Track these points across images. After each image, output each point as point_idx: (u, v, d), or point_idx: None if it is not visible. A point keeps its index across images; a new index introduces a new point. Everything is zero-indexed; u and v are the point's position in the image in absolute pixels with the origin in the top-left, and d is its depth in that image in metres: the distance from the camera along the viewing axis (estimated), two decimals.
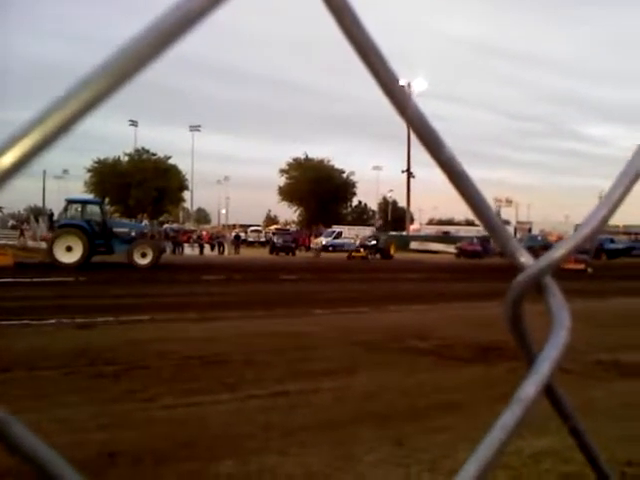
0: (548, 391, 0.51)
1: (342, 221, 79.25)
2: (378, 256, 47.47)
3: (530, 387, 0.45)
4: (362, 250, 47.50)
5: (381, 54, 0.41)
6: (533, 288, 0.50)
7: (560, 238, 51.55)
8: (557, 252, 0.50)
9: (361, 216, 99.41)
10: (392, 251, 50.49)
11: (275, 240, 52.78)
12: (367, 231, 65.88)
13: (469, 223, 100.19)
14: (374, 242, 49.64)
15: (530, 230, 73.29)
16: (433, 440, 5.40)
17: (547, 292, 0.50)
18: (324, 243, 56.85)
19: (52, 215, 34.52)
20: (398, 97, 0.43)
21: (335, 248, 56.21)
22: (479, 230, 76.80)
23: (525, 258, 0.51)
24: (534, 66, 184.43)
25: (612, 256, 54.25)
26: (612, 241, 57.94)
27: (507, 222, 77.53)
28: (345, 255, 47.97)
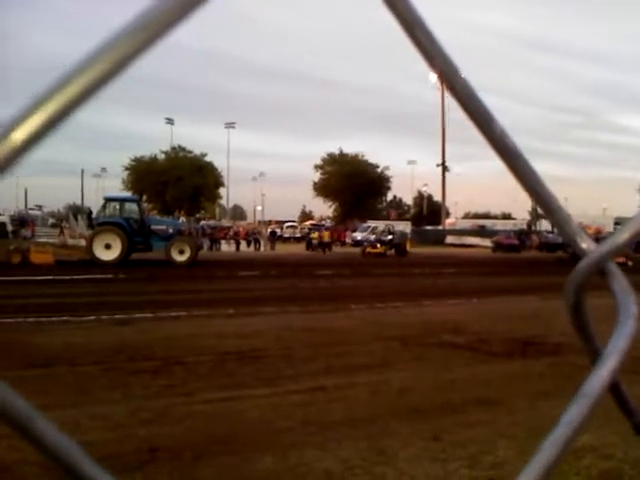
0: (612, 387, 0.48)
1: (377, 216, 78.92)
2: (393, 252, 43.26)
3: (597, 381, 0.42)
4: (379, 246, 42.79)
5: (427, 28, 0.39)
6: (596, 274, 0.47)
7: (598, 232, 50.67)
8: (620, 236, 0.47)
9: (396, 210, 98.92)
10: (408, 247, 46.55)
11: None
12: (401, 225, 65.51)
13: (505, 217, 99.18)
14: (389, 237, 45.34)
15: None
16: (470, 435, 5.34)
17: (611, 279, 0.47)
18: (359, 238, 56.01)
19: (91, 213, 35.01)
20: (446, 72, 0.40)
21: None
22: (515, 223, 76.13)
23: (587, 243, 0.48)
24: (571, 57, 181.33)
25: None
26: None
27: (544, 216, 76.25)
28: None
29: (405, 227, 66.60)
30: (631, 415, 0.53)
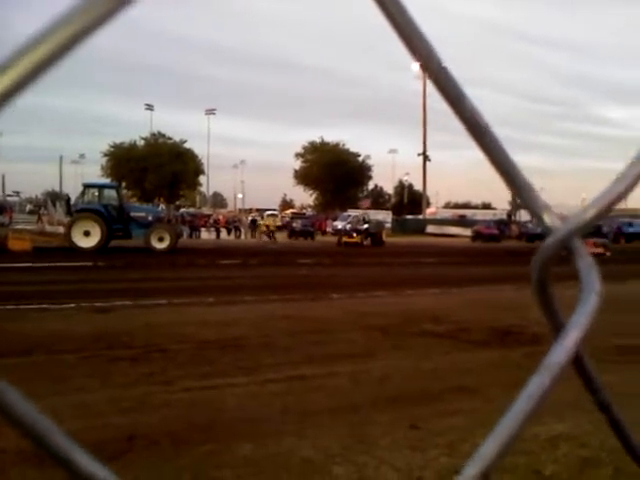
0: (576, 361, 0.48)
1: (358, 205, 79.11)
2: (368, 241, 41.55)
3: (558, 354, 0.43)
4: (355, 235, 41.10)
5: (401, 4, 0.39)
6: (561, 251, 0.48)
7: None
8: (588, 212, 0.47)
9: (377, 200, 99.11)
10: (384, 236, 44.53)
11: (294, 224, 52.50)
12: (381, 215, 65.55)
13: (485, 207, 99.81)
14: (365, 226, 43.03)
15: None
16: (449, 424, 5.39)
17: (576, 255, 0.48)
18: (339, 227, 55.58)
19: (69, 200, 34.69)
20: (420, 48, 0.40)
21: None
22: (495, 213, 76.66)
23: (553, 220, 0.48)
24: (551, 48, 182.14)
25: (630, 239, 53.86)
26: (630, 225, 57.47)
27: (523, 206, 76.80)
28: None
29: (386, 216, 66.83)
30: (594, 391, 0.53)
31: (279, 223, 57.15)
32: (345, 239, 40.76)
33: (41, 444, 0.35)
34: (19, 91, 0.33)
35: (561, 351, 0.43)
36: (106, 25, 0.34)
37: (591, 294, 0.45)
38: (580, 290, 0.47)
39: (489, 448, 0.39)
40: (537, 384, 0.40)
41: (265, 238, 44.74)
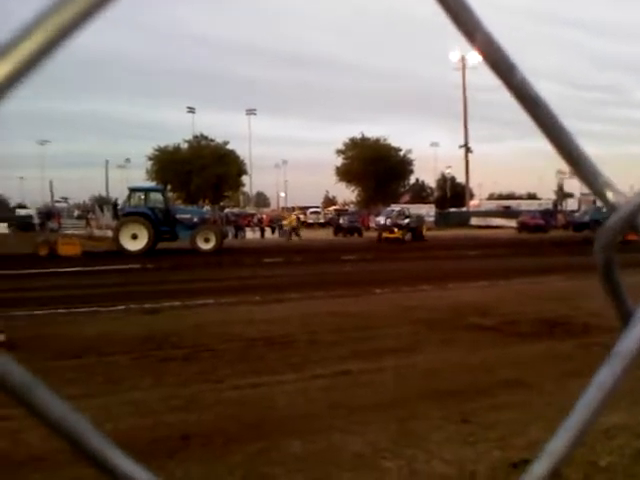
0: None
1: (399, 200, 78.67)
2: (409, 237, 39.35)
3: (630, 341, 0.40)
4: (396, 230, 38.93)
5: None
6: (627, 230, 0.45)
7: None
8: None
9: (419, 194, 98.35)
10: (424, 231, 42.32)
11: (341, 221, 51.89)
12: (424, 209, 64.93)
13: (530, 197, 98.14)
14: (406, 221, 40.94)
15: (595, 202, 71.30)
16: (500, 417, 5.32)
17: None
18: (382, 222, 53.78)
19: (117, 204, 35.33)
20: (466, 22, 0.38)
21: None
22: (541, 203, 75.28)
23: (617, 196, 0.46)
24: (599, 34, 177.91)
25: None
26: None
27: (571, 194, 75.51)
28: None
29: (429, 210, 66.26)
30: None
31: (303, 219, 56.62)
32: (386, 235, 38.92)
33: (76, 445, 0.34)
34: (13, 84, 0.32)
35: (632, 338, 0.40)
36: (97, 15, 0.33)
37: None
38: None
39: (558, 443, 0.37)
40: (608, 373, 0.38)
41: (287, 236, 42.75)
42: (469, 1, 0.38)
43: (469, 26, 0.39)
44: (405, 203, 64.59)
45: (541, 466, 0.37)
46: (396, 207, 59.59)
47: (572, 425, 0.37)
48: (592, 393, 0.37)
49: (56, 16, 0.32)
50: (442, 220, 63.51)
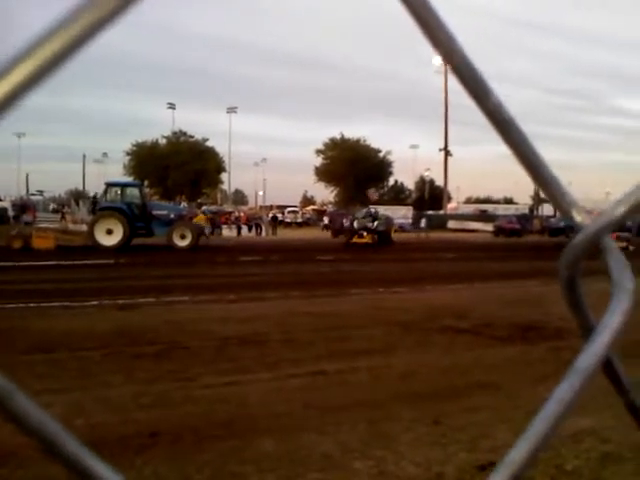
0: (606, 364, 0.47)
1: (378, 201, 78.87)
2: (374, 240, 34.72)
3: (589, 357, 0.41)
4: (366, 234, 34.35)
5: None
6: (591, 249, 0.46)
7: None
8: (618, 209, 0.45)
9: (398, 195, 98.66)
10: (392, 233, 38.62)
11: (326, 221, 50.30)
12: (402, 210, 65.07)
13: (507, 201, 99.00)
14: (375, 223, 35.74)
15: None
16: (471, 419, 5.36)
17: (607, 253, 0.46)
18: (347, 224, 47.27)
19: (96, 198, 35.02)
20: (443, 42, 0.39)
21: None
22: (517, 208, 76.00)
23: (583, 216, 0.47)
24: (572, 39, 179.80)
25: None
26: None
27: (547, 200, 76.17)
28: None
29: (407, 212, 66.46)
30: (624, 393, 0.52)
31: (281, 218, 55.41)
32: (355, 239, 34.29)
33: (51, 449, 0.34)
34: (23, 93, 0.32)
35: (592, 354, 0.41)
36: (112, 24, 0.33)
37: (623, 294, 0.44)
38: (612, 288, 0.45)
39: (518, 453, 0.38)
40: (567, 388, 0.39)
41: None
42: (447, 23, 0.39)
43: (446, 47, 0.39)
44: (373, 201, 61.99)
45: (499, 476, 0.38)
46: (374, 208, 59.24)
47: (531, 437, 0.38)
48: (551, 407, 0.38)
49: (58, 34, 0.32)
50: (419, 223, 63.75)
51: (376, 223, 35.80)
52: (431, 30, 0.39)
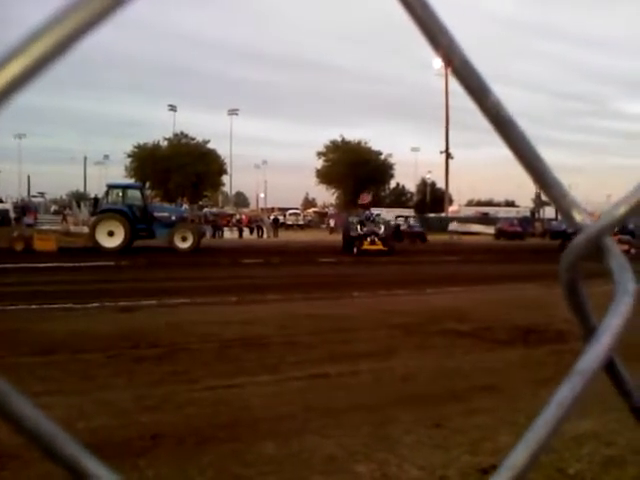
0: (608, 365, 0.47)
1: (380, 203, 78.82)
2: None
3: (590, 359, 0.41)
4: (377, 241, 30.80)
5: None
6: (592, 250, 0.46)
7: None
8: (618, 210, 0.45)
9: (399, 198, 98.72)
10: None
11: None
12: (404, 213, 65.00)
13: (508, 204, 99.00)
14: (382, 228, 32.32)
15: None
16: (472, 422, 5.35)
17: (608, 254, 0.46)
18: (358, 230, 42.29)
19: (97, 200, 35.03)
20: (443, 45, 0.39)
21: None
22: (519, 211, 76.06)
23: (583, 217, 0.47)
24: (577, 44, 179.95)
25: None
26: None
27: (549, 203, 76.17)
28: None
29: (408, 215, 66.42)
30: (629, 396, 0.52)
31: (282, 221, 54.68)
32: (367, 246, 30.52)
33: (46, 450, 0.34)
34: (15, 91, 0.32)
35: (593, 356, 0.41)
36: (103, 23, 0.33)
37: (624, 295, 0.44)
38: (613, 291, 0.45)
39: (518, 457, 0.38)
40: (568, 390, 0.39)
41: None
42: (446, 25, 0.39)
43: (446, 49, 0.40)
44: (365, 204, 59.25)
45: (500, 479, 0.37)
46: (375, 210, 58.75)
47: (531, 440, 0.38)
48: (552, 410, 0.38)
49: (48, 33, 0.32)
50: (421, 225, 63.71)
51: (383, 228, 32.58)
52: (430, 31, 0.39)
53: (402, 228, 47.91)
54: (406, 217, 57.98)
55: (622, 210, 0.45)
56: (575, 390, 0.39)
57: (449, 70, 0.41)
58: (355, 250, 29.95)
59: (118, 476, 0.38)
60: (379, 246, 30.45)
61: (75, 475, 0.35)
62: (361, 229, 31.48)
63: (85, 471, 0.35)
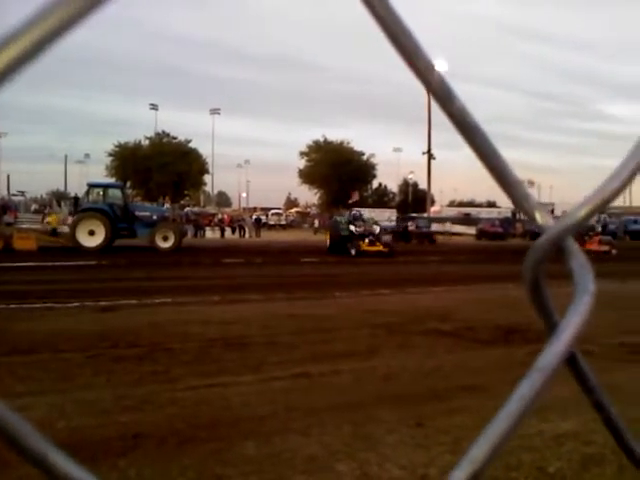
0: (570, 361, 0.48)
1: (363, 204, 78.98)
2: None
3: (550, 356, 0.43)
4: (377, 243, 29.80)
5: (400, 20, 0.39)
6: (554, 250, 0.47)
7: None
8: (580, 211, 0.47)
9: (382, 198, 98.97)
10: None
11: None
12: (386, 213, 65.15)
13: (490, 205, 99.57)
14: (377, 228, 32.10)
15: (552, 212, 72.63)
16: (454, 422, 5.38)
17: (569, 255, 0.47)
18: (352, 229, 40.37)
19: (77, 199, 34.72)
20: (408, 49, 0.40)
21: None
22: (500, 212, 76.48)
23: (545, 218, 0.48)
24: (555, 45, 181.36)
25: (635, 237, 53.75)
26: (635, 222, 57.39)
27: (513, 205, 76.67)
28: None
29: (391, 215, 66.70)
30: (591, 393, 0.53)
31: (264, 221, 54.48)
32: (366, 247, 29.22)
33: (14, 445, 0.34)
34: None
35: (553, 352, 0.42)
36: (84, 21, 0.34)
37: (584, 294, 0.45)
38: (574, 290, 0.47)
39: (479, 450, 0.39)
40: (528, 386, 0.40)
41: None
42: (410, 29, 0.40)
43: (411, 54, 0.40)
44: (353, 202, 58.83)
45: (462, 472, 0.38)
46: (360, 211, 58.60)
47: (492, 435, 0.39)
48: (513, 405, 0.39)
49: (29, 30, 0.32)
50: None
51: (377, 228, 32.22)
52: (393, 34, 0.40)
53: (410, 229, 48.02)
54: (406, 218, 58.26)
55: (583, 212, 0.47)
56: (535, 386, 0.40)
57: (415, 74, 0.42)
58: (354, 251, 28.71)
59: (90, 476, 0.38)
60: (379, 247, 29.44)
61: (48, 474, 0.36)
62: (355, 229, 30.32)
63: (57, 470, 0.36)
